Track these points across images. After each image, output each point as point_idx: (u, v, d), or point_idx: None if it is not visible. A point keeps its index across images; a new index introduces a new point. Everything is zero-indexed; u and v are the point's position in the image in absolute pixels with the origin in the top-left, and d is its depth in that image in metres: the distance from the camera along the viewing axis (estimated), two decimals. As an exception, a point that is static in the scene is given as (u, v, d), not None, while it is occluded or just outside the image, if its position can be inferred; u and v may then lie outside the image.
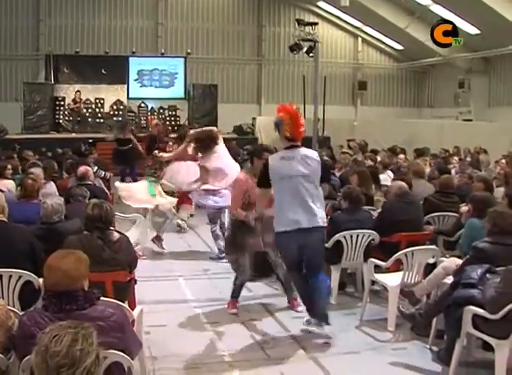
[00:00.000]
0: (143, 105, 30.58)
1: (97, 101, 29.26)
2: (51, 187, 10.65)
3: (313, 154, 7.21)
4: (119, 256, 6.23)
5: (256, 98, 34.30)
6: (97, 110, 29.18)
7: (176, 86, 31.66)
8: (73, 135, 26.95)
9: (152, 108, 30.58)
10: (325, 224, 7.24)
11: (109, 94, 29.50)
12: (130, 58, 30.98)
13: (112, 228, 6.49)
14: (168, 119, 30.27)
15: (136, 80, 31.07)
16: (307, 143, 22.59)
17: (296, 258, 7.08)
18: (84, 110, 28.95)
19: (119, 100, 29.48)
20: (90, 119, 28.94)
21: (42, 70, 30.46)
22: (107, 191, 12.48)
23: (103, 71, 29.58)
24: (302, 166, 6.98)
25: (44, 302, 4.14)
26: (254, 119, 30.08)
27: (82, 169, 10.76)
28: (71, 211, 7.75)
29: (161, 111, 30.59)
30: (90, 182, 10.58)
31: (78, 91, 28.81)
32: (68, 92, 29.11)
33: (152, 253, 11.62)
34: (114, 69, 29.80)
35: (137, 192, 12.05)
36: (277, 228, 7.13)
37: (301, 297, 7.55)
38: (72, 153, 16.67)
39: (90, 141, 23.12)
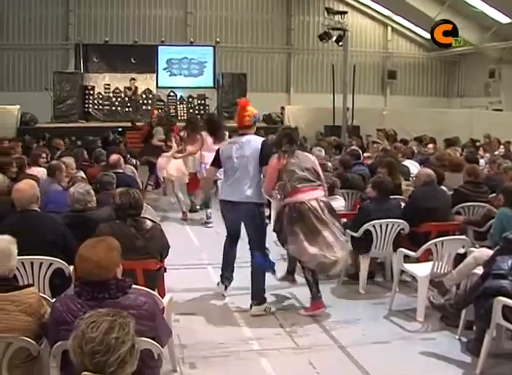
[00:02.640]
0: (172, 94, 30.65)
1: (127, 90, 29.37)
2: (80, 175, 10.66)
3: (256, 140, 8.03)
4: (151, 244, 6.23)
5: (285, 87, 34.27)
6: (127, 99, 29.30)
7: (205, 75, 31.68)
8: (102, 124, 27.09)
9: (181, 97, 30.64)
10: (261, 200, 8.02)
11: (138, 83, 29.58)
12: (159, 47, 31.03)
13: (144, 216, 6.49)
14: (197, 108, 30.31)
15: (165, 68, 31.15)
16: (337, 132, 22.75)
17: (231, 226, 8.27)
18: (114, 99, 29.09)
19: (148, 89, 29.58)
20: (119, 109, 29.06)
21: (72, 60, 30.68)
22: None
23: (132, 60, 29.74)
24: (243, 149, 7.94)
25: (77, 289, 4.16)
26: (283, 108, 30.05)
27: (114, 157, 10.80)
28: (100, 200, 7.79)
29: (190, 100, 30.64)
30: (121, 170, 10.62)
31: (133, 78, 29.03)
32: (97, 81, 29.29)
33: (181, 241, 11.62)
34: (143, 58, 29.89)
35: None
36: (220, 196, 8.41)
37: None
38: (101, 142, 16.75)
39: (120, 129, 23.21)
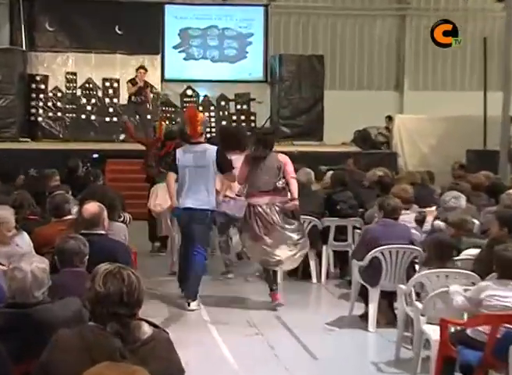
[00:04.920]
0: (189, 92, 30.74)
1: (108, 84, 29.57)
2: (23, 240, 10.61)
3: (211, 149, 14.39)
4: (149, 368, 6.20)
5: (394, 81, 34.32)
6: (108, 101, 29.46)
7: (249, 58, 31.86)
8: (62, 145, 27.38)
9: (206, 97, 30.55)
10: (214, 208, 14.60)
11: (129, 72, 29.62)
12: (167, 7, 31.48)
13: (140, 317, 6.45)
14: (235, 117, 30.39)
15: (176, 46, 31.32)
16: (491, 162, 22.53)
17: (189, 231, 14.43)
18: (84, 100, 29.28)
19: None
20: (93, 117, 29.23)
21: (5, 26, 30.85)
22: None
23: (117, 30, 29.95)
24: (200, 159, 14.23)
25: None
26: (389, 118, 29.99)
27: (90, 207, 10.81)
28: (59, 283, 7.81)
29: (223, 103, 30.52)
30: (103, 231, 10.62)
31: (142, 66, 28.31)
32: (53, 67, 29.40)
33: (205, 358, 11.58)
34: (137, 27, 30.10)
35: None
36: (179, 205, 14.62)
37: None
38: (61, 180, 16.83)
39: (95, 155, 23.34)
